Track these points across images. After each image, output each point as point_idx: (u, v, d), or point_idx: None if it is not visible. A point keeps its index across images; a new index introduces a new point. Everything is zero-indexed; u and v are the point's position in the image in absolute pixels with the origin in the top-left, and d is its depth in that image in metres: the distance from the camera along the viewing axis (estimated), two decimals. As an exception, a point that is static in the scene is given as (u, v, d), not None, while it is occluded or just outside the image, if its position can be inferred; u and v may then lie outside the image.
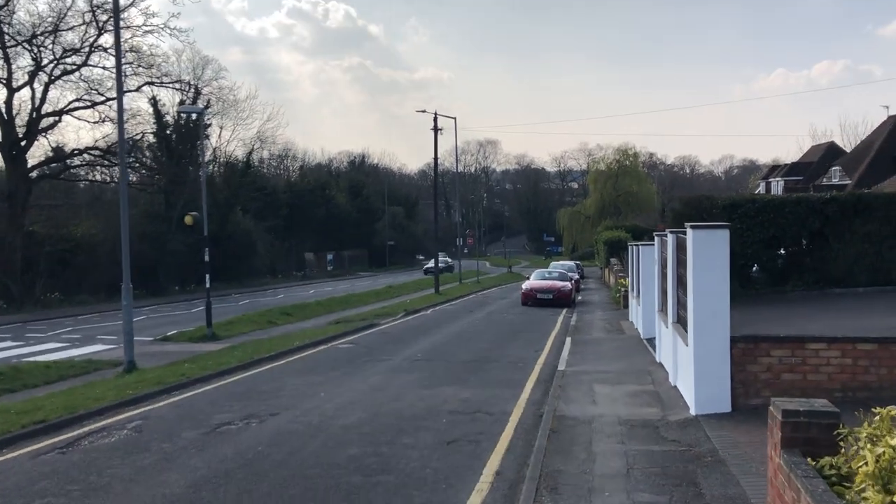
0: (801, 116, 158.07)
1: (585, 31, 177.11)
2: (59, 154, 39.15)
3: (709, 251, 8.85)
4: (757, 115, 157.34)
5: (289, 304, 31.81)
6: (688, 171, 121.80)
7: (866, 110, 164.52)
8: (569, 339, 18.52)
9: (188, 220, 22.78)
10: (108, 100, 36.35)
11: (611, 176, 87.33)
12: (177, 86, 40.37)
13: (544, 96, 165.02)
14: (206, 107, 49.42)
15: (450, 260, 69.00)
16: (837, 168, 46.40)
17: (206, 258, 22.92)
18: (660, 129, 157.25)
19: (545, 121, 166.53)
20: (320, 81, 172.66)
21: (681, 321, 10.83)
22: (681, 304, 10.87)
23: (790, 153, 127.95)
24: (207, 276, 22.94)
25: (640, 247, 17.67)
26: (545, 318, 25.60)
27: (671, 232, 11.39)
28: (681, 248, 10.75)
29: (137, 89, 38.34)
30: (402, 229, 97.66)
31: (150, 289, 44.12)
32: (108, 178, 45.54)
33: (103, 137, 38.01)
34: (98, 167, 40.43)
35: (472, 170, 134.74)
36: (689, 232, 9.11)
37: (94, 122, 36.06)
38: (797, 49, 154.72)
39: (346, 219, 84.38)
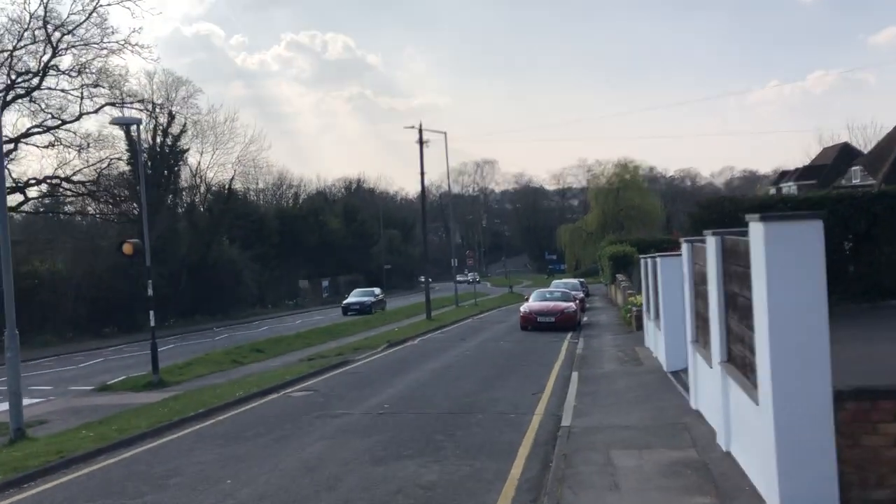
0: (800, 125, 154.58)
1: (579, 49, 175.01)
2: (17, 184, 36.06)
3: (792, 257, 5.55)
4: (754, 126, 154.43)
5: (265, 339, 28.47)
6: (689, 183, 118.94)
7: (873, 113, 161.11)
8: (575, 375, 15.16)
9: (127, 248, 19.54)
10: (64, 123, 33.31)
11: (612, 190, 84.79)
12: (140, 106, 37.13)
13: (541, 114, 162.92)
14: (182, 131, 46.55)
15: (378, 292, 49.38)
16: (858, 168, 43.13)
17: (150, 291, 19.67)
18: (658, 142, 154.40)
19: (543, 137, 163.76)
20: (321, 112, 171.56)
21: (735, 361, 7.49)
22: (734, 337, 7.55)
23: (796, 159, 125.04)
24: (151, 314, 19.69)
25: (659, 259, 14.37)
26: (547, 345, 22.25)
27: (715, 234, 8.08)
28: (731, 255, 7.46)
29: (97, 111, 35.23)
30: (399, 253, 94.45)
31: (123, 326, 40.79)
32: (75, 210, 42.40)
33: (60, 165, 34.81)
34: (60, 198, 37.34)
35: (471, 190, 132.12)
36: (758, 227, 5.81)
37: (43, 147, 32.89)
38: (790, 60, 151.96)
39: (341, 244, 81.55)
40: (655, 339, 16.77)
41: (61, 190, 35.48)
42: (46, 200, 39.70)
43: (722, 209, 18.75)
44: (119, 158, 40.29)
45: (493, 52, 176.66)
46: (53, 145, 33.10)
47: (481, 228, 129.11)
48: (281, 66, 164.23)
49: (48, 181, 35.81)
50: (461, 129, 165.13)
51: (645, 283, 19.10)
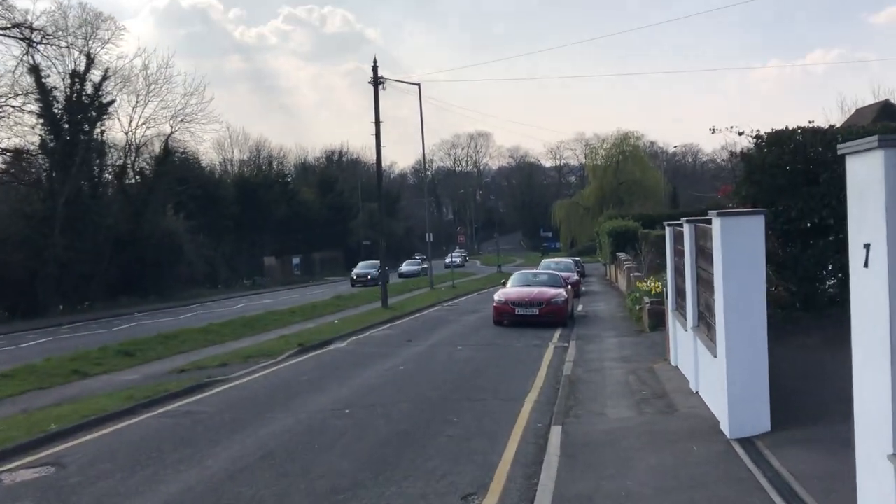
0: (801, 103, 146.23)
1: (580, 23, 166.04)
2: None
3: None
4: (757, 102, 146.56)
5: (152, 336, 21.09)
6: (691, 160, 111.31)
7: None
8: (557, 434, 8.16)
9: None
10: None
11: (611, 163, 78.35)
12: (16, 32, 29.58)
13: (540, 90, 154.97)
14: (104, 77, 39.17)
15: None
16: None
17: None
18: (657, 119, 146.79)
19: (541, 112, 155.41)
20: (319, 86, 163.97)
21: None
22: None
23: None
24: None
25: (720, 221, 7.21)
26: (522, 353, 15.32)
27: None
28: None
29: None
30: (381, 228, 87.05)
31: (20, 309, 33.39)
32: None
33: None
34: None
35: (464, 164, 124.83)
36: None
37: None
38: (791, 39, 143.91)
39: (316, 217, 74.24)
40: (697, 363, 9.73)
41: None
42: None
43: (798, 148, 11.64)
44: (22, 105, 32.65)
45: (493, 27, 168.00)
46: None
47: (474, 204, 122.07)
48: (279, 39, 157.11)
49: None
50: (460, 103, 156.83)
51: (672, 265, 12.04)
